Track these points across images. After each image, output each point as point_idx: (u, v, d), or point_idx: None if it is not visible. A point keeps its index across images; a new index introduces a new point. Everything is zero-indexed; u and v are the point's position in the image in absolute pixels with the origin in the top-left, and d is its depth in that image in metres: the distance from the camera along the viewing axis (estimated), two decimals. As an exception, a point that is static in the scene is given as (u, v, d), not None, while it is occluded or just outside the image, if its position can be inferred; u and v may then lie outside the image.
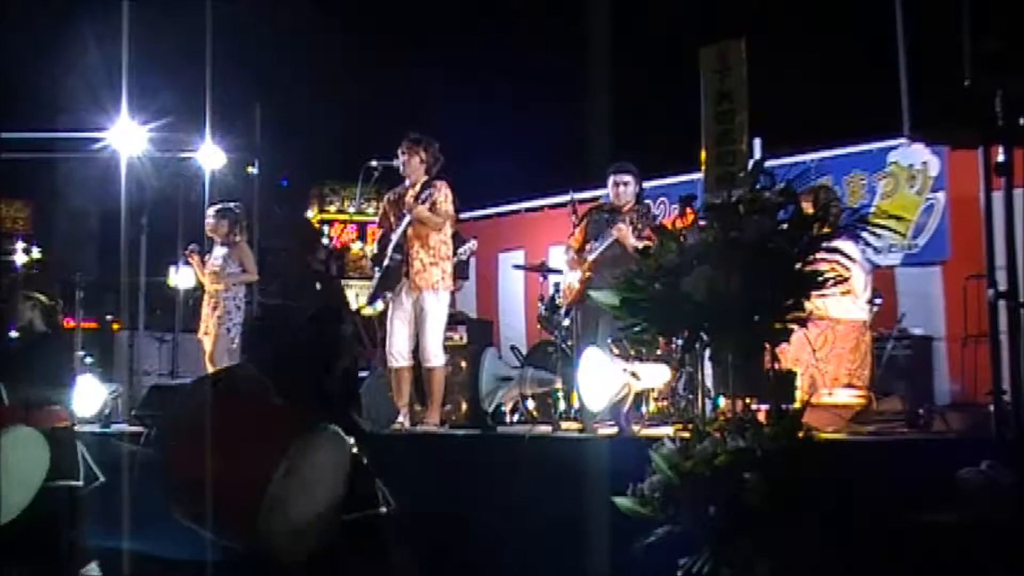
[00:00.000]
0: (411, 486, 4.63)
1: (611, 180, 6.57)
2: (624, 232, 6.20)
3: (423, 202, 6.36)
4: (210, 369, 7.45)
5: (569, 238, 6.80)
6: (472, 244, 7.85)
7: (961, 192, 7.29)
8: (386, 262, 6.48)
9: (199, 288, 7.82)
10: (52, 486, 5.05)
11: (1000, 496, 3.64)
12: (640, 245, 6.03)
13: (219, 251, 7.76)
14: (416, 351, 6.46)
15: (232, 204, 8.12)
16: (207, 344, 7.65)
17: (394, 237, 6.48)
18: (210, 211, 7.93)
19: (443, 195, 6.44)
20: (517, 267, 9.67)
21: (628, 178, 6.51)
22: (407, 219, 6.41)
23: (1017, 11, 4.13)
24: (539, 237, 9.82)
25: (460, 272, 7.75)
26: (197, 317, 8.04)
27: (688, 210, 6.96)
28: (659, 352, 6.12)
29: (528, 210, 10.47)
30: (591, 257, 6.45)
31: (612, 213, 6.51)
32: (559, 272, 7.27)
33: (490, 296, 10.32)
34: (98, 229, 16.78)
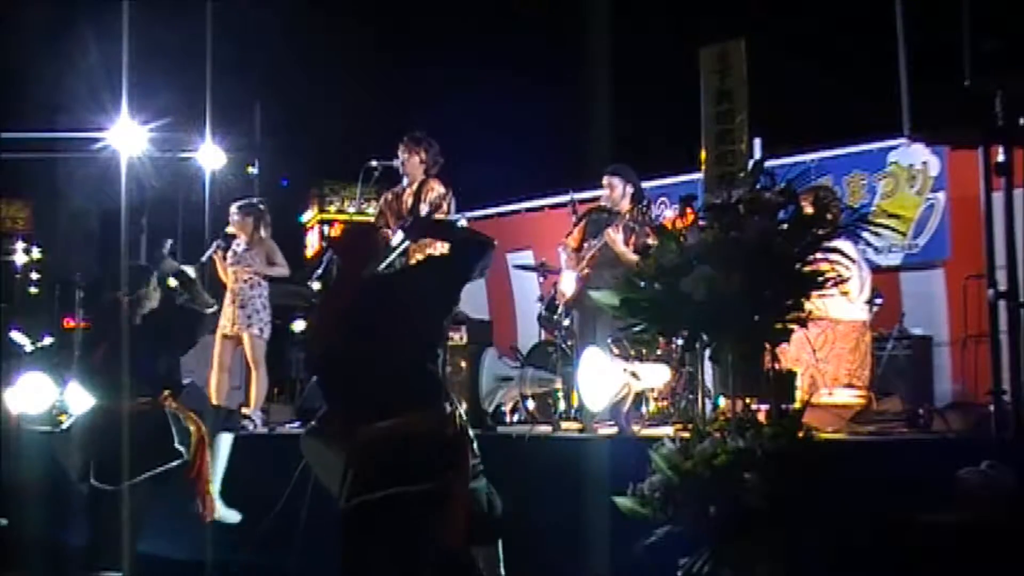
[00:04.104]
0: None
1: (603, 181, 6.58)
2: (612, 239, 6.20)
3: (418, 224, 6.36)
4: (255, 371, 7.38)
5: (567, 237, 6.80)
6: (462, 221, 7.80)
7: (961, 192, 7.28)
8: (383, 267, 6.48)
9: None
10: None
11: (1000, 496, 3.64)
12: (629, 253, 6.05)
13: (241, 248, 7.65)
14: None
15: (256, 200, 8.00)
16: (230, 344, 7.49)
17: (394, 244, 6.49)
18: (233, 207, 7.75)
19: (436, 193, 6.42)
20: (518, 267, 9.66)
21: (615, 180, 6.48)
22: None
23: (1017, 11, 4.13)
24: (546, 237, 9.79)
25: None
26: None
27: (688, 210, 6.94)
28: (659, 352, 6.11)
29: (528, 210, 10.45)
30: (587, 256, 6.45)
31: (611, 214, 6.51)
32: (558, 272, 7.26)
33: (502, 297, 10.26)
34: (98, 229, 16.77)
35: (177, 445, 5.20)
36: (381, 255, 4.17)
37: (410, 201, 6.53)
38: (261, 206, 7.78)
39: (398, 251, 6.36)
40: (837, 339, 5.62)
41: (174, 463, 5.18)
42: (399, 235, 6.45)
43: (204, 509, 5.41)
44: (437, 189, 6.44)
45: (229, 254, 7.58)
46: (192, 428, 5.33)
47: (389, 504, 3.59)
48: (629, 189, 6.47)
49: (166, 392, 5.31)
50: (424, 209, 6.36)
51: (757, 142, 6.87)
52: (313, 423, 4.22)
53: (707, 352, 4.09)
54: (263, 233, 7.58)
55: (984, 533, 3.54)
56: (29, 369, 8.05)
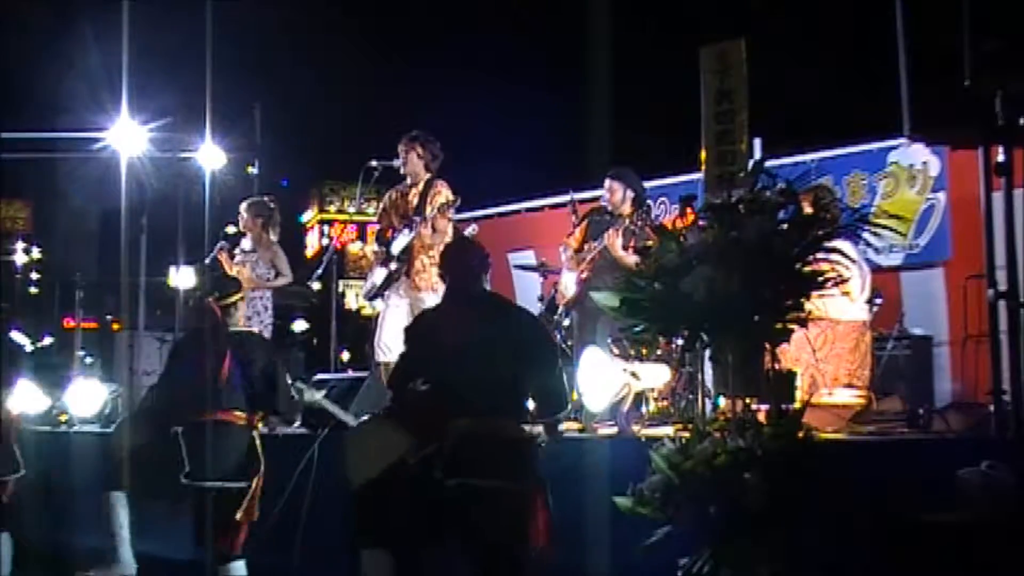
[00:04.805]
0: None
1: (604, 184, 6.58)
2: (612, 242, 6.20)
3: (426, 222, 6.35)
4: None
5: (568, 237, 6.80)
6: (473, 229, 7.85)
7: (961, 192, 7.27)
8: (393, 264, 6.51)
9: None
10: None
11: (1000, 496, 3.64)
12: (627, 257, 6.05)
13: (248, 247, 7.61)
14: None
15: (266, 199, 7.90)
16: None
17: (396, 246, 6.49)
18: (243, 206, 7.70)
19: (444, 198, 6.42)
20: (518, 267, 9.66)
21: (615, 185, 6.48)
22: (412, 234, 6.39)
23: (1017, 11, 4.13)
24: (546, 237, 9.78)
25: None
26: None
27: (688, 210, 6.94)
28: (659, 352, 6.11)
29: (528, 210, 10.46)
30: (588, 258, 6.46)
31: (612, 216, 6.50)
32: (558, 272, 7.26)
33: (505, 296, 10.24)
34: (98, 229, 16.80)
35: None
36: (487, 270, 4.62)
37: (416, 201, 6.53)
38: (271, 205, 7.72)
39: (405, 245, 6.41)
40: (837, 339, 5.62)
41: (239, 484, 5.00)
42: (405, 234, 6.48)
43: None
44: (445, 194, 6.44)
45: (237, 251, 7.56)
46: (261, 457, 5.14)
47: (490, 494, 3.90)
48: (630, 194, 6.47)
49: (260, 413, 5.24)
50: (430, 212, 6.37)
51: (757, 142, 6.86)
52: (375, 413, 4.50)
53: (707, 352, 4.09)
54: (272, 236, 7.53)
55: (984, 533, 3.54)
56: (24, 376, 8.01)
